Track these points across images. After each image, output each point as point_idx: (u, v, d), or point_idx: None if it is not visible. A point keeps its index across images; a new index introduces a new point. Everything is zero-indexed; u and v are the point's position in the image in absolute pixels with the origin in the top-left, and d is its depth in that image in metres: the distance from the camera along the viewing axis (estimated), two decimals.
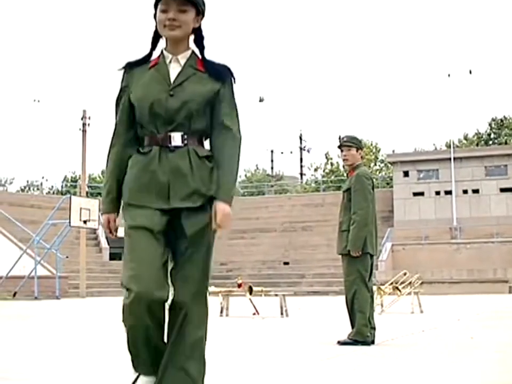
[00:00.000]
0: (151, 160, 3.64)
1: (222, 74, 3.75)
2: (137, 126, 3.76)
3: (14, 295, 28.93)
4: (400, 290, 16.76)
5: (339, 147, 8.34)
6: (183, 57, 3.75)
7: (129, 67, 3.80)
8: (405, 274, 18.01)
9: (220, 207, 3.61)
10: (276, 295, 15.61)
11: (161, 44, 3.82)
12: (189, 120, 3.66)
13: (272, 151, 78.36)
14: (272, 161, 78.79)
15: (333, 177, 68.34)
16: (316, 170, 75.81)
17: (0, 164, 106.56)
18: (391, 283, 17.36)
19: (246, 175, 79.95)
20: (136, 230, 3.61)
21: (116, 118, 3.81)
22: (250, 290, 14.60)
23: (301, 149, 77.42)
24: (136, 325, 3.56)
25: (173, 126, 3.65)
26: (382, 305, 15.79)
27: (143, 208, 3.63)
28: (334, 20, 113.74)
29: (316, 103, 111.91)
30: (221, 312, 14.74)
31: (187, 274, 3.63)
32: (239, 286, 16.10)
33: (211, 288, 16.54)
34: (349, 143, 8.23)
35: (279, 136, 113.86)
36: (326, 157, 74.37)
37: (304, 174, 76.66)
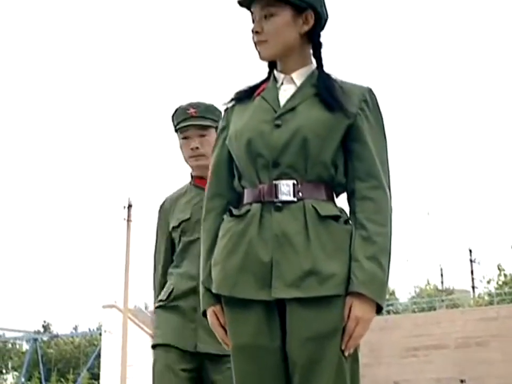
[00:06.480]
0: (248, 225, 2.27)
1: (350, 101, 2.36)
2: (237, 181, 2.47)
3: None
4: None
5: None
6: (299, 76, 2.44)
7: (236, 100, 2.53)
8: None
9: (357, 306, 2.17)
10: None
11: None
12: (304, 160, 2.28)
13: (441, 265, 74.05)
14: (442, 275, 73.96)
15: (506, 289, 63.92)
16: (488, 282, 70.35)
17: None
18: None
19: (415, 291, 72.80)
20: (239, 352, 2.30)
21: (211, 175, 2.53)
22: None
23: (471, 261, 75.61)
24: None
25: (280, 170, 2.28)
26: None
27: (240, 306, 2.27)
28: None
29: (485, 213, 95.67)
30: None
31: None
32: None
33: None
34: None
35: (447, 249, 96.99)
36: (499, 268, 69.31)
37: (476, 287, 72.47)
